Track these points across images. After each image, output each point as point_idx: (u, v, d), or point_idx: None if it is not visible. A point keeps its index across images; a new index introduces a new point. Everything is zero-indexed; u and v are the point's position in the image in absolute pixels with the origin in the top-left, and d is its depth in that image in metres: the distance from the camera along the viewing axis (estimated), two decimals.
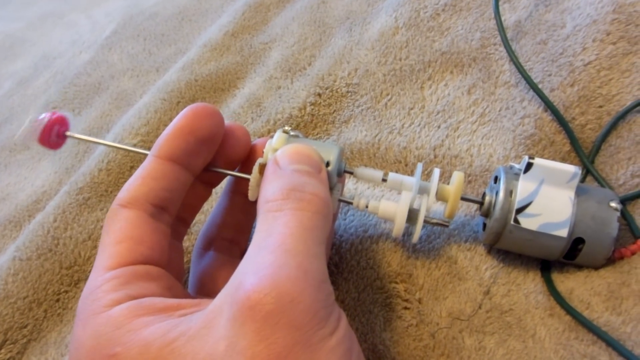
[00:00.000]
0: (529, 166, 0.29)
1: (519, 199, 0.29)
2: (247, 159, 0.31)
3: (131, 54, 0.58)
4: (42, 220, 0.40)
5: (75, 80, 0.57)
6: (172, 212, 0.28)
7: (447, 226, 0.31)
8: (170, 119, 0.29)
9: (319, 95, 0.44)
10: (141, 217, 0.26)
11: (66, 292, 0.38)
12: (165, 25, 0.61)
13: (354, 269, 0.33)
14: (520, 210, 0.29)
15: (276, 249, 0.21)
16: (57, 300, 0.37)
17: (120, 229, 0.25)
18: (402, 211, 0.29)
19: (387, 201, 0.29)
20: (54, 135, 0.31)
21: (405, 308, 0.31)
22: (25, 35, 0.69)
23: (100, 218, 0.40)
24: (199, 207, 0.32)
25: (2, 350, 0.35)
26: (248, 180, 0.28)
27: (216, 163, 0.30)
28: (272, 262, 0.21)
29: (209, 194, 0.32)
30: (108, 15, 0.67)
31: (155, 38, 0.60)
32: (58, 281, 0.38)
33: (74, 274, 0.38)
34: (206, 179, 0.31)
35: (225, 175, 0.31)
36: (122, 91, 0.54)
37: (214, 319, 0.21)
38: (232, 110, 0.46)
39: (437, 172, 0.30)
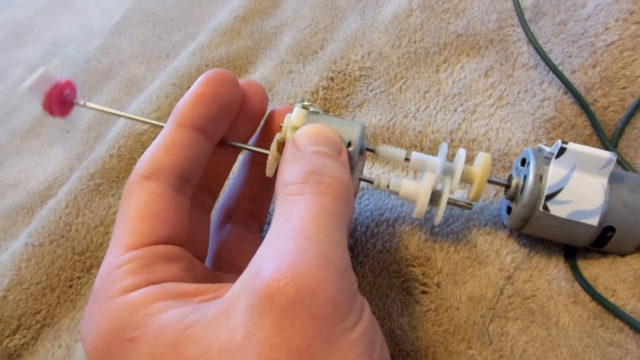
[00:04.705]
0: (561, 151, 0.28)
1: (549, 184, 0.28)
2: (265, 127, 0.30)
3: (141, 40, 0.58)
4: (54, 206, 0.40)
5: (85, 66, 0.56)
6: (193, 184, 0.27)
7: (470, 208, 0.30)
8: None
9: (332, 79, 0.44)
10: (166, 190, 0.24)
11: (79, 278, 0.37)
12: (175, 10, 0.60)
13: (369, 252, 0.32)
14: (550, 196, 0.28)
15: (296, 235, 0.20)
16: (70, 287, 0.37)
17: (145, 204, 0.24)
18: (425, 191, 0.28)
19: (409, 181, 0.28)
20: (60, 100, 0.28)
21: (424, 292, 0.31)
22: (35, 22, 0.69)
23: (111, 204, 0.40)
24: (225, 175, 0.31)
25: (16, 336, 0.35)
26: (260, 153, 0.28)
27: (236, 123, 0.28)
28: (292, 249, 0.20)
29: (234, 160, 0.31)
30: (117, 1, 0.66)
31: (164, 23, 0.59)
32: (71, 267, 0.37)
33: (86, 260, 0.38)
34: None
35: (243, 149, 0.30)
36: (132, 77, 0.53)
37: (231, 306, 0.20)
38: None
39: (463, 152, 0.29)
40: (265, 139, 0.30)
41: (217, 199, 0.31)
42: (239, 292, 0.20)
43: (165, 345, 0.20)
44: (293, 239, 0.20)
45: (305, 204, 0.22)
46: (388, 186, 0.29)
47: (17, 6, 0.74)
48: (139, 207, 0.24)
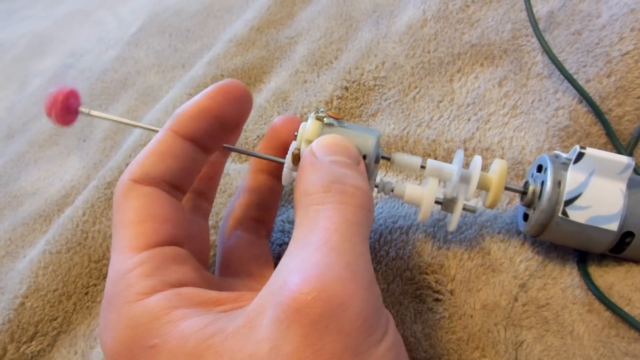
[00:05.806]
0: (580, 156, 0.28)
1: (568, 190, 0.28)
2: (268, 137, 0.30)
3: (157, 50, 0.58)
4: (72, 214, 0.41)
5: (102, 76, 0.57)
6: (185, 191, 0.26)
7: (473, 212, 0.29)
8: None
9: (346, 88, 0.44)
10: (159, 194, 0.24)
11: (95, 285, 0.38)
12: (191, 21, 0.61)
13: (382, 259, 0.32)
14: (569, 202, 0.28)
15: (321, 247, 0.20)
16: (86, 294, 0.37)
17: (142, 207, 0.24)
18: (429, 195, 0.28)
19: (413, 185, 0.28)
20: (65, 110, 0.28)
21: (437, 300, 0.31)
22: (53, 33, 0.70)
23: None
24: (218, 178, 0.31)
25: (33, 342, 0.35)
26: (273, 161, 0.29)
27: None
28: (319, 261, 0.20)
29: (225, 162, 0.31)
30: (134, 12, 0.67)
31: (180, 34, 0.60)
32: (87, 274, 0.38)
33: (102, 268, 0.38)
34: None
35: (256, 157, 0.30)
36: (148, 87, 0.54)
37: (256, 318, 0.20)
38: (258, 105, 0.46)
39: (479, 159, 0.28)
40: (268, 148, 0.30)
41: (212, 203, 0.31)
42: (263, 304, 0.20)
43: (186, 354, 0.20)
44: (319, 250, 0.20)
45: (329, 214, 0.21)
46: (392, 190, 0.29)
47: (36, 18, 0.75)
48: (136, 210, 0.24)
